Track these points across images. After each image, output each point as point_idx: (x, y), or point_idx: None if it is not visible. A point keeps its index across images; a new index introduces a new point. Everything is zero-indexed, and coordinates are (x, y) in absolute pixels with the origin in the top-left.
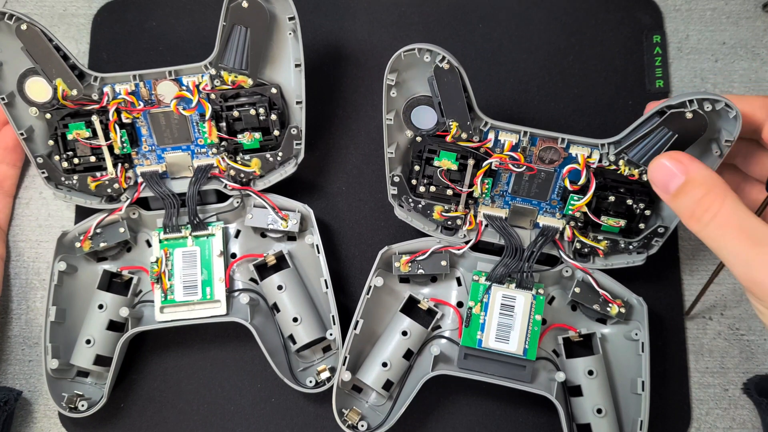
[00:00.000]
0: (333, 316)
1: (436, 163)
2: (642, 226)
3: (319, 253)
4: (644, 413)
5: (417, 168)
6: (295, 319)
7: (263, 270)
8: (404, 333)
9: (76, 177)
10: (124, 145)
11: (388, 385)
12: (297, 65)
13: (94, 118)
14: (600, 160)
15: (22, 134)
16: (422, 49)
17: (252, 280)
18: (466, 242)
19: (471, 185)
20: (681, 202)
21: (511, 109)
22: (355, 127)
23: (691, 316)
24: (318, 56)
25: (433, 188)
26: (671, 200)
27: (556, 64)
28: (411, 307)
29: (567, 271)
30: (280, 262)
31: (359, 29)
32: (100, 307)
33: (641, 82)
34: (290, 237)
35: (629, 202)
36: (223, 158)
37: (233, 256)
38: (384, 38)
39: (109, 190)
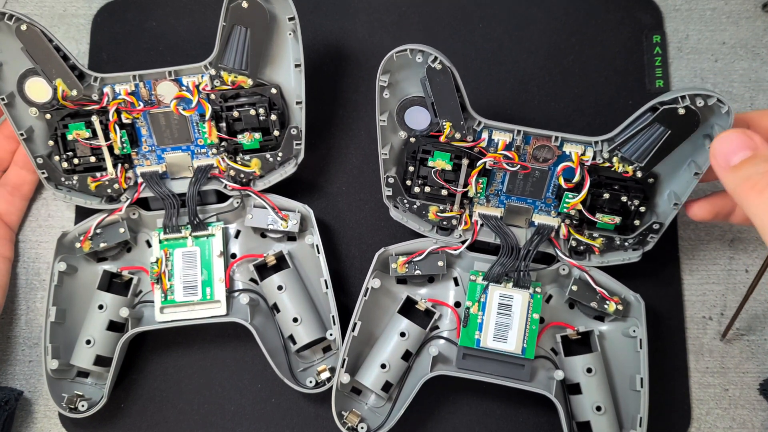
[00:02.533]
0: (333, 317)
1: (430, 163)
2: (637, 222)
3: (319, 253)
4: (643, 410)
5: (411, 169)
6: (295, 320)
7: (263, 270)
8: (402, 334)
9: (76, 177)
10: (124, 145)
11: (387, 387)
12: (297, 65)
13: (94, 119)
14: (594, 158)
15: (22, 134)
16: (414, 50)
17: (252, 280)
18: (463, 242)
19: (466, 185)
20: (743, 172)
21: (511, 108)
22: (355, 127)
23: (690, 316)
24: (318, 56)
25: (427, 189)
26: (730, 171)
27: (556, 64)
28: (409, 308)
29: (564, 269)
30: (280, 263)
31: (359, 29)
32: (100, 307)
33: (641, 82)
34: (290, 237)
35: (624, 198)
36: (223, 158)
37: (233, 256)
38: (384, 38)
39: (109, 191)
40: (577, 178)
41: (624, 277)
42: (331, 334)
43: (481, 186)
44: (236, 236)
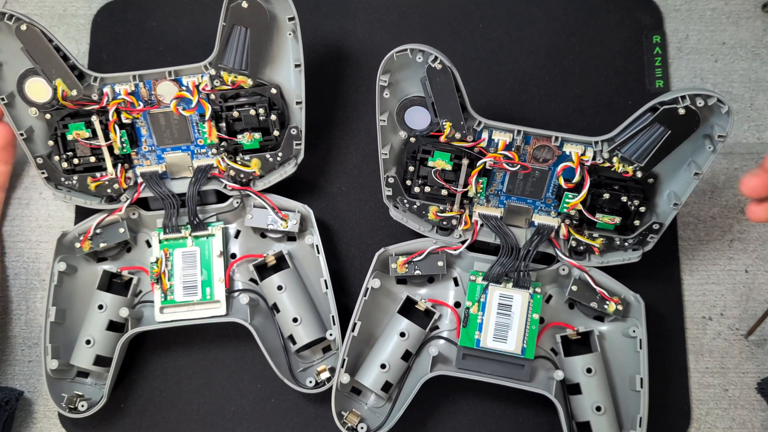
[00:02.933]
0: (333, 317)
1: (430, 163)
2: (637, 222)
3: (318, 253)
4: (643, 410)
5: (411, 169)
6: (295, 320)
7: (263, 270)
8: (402, 334)
9: (75, 177)
10: (124, 145)
11: (387, 387)
12: (297, 65)
13: (94, 119)
14: (594, 158)
15: (21, 134)
16: (414, 50)
17: (252, 280)
18: (462, 242)
19: (466, 185)
20: None
21: (511, 108)
22: (355, 127)
23: (690, 317)
24: (318, 56)
25: (427, 189)
26: None
27: (556, 64)
28: (408, 308)
29: (563, 270)
30: (280, 263)
31: (359, 29)
32: (100, 307)
33: (641, 82)
34: (290, 237)
35: (624, 199)
36: (222, 158)
37: (233, 256)
38: (384, 38)
39: (108, 191)
40: (577, 178)
41: (624, 278)
42: (330, 334)
43: (481, 186)
44: (236, 236)
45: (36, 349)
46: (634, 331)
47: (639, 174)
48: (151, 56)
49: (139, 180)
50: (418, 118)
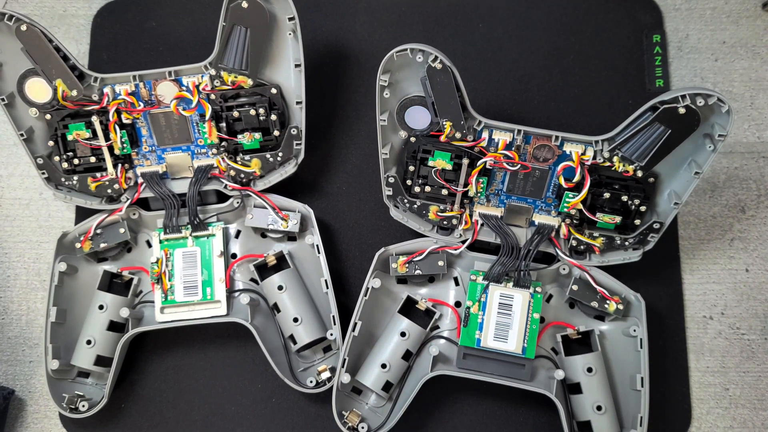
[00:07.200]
0: (333, 316)
1: (430, 163)
2: (637, 222)
3: (319, 253)
4: (644, 409)
5: (412, 168)
6: (295, 320)
7: (263, 270)
8: (403, 334)
9: (76, 178)
10: (124, 145)
11: (387, 387)
12: (297, 65)
13: (94, 119)
14: (594, 157)
15: (21, 135)
16: (414, 49)
17: (252, 280)
18: (463, 242)
19: (466, 185)
20: None
21: (511, 109)
22: (355, 127)
23: (691, 316)
24: (318, 56)
25: (428, 188)
26: None
27: (556, 64)
28: (409, 308)
29: (564, 269)
30: (281, 263)
31: (359, 29)
32: (101, 307)
33: (641, 81)
34: (290, 237)
35: (624, 198)
36: (223, 158)
37: (233, 256)
38: (384, 38)
39: (109, 191)
40: (577, 178)
41: (624, 277)
42: (331, 334)
43: (482, 185)
44: (236, 236)
45: (37, 350)
46: (634, 331)
47: (639, 173)
48: (151, 56)
49: (140, 180)
50: (419, 118)
